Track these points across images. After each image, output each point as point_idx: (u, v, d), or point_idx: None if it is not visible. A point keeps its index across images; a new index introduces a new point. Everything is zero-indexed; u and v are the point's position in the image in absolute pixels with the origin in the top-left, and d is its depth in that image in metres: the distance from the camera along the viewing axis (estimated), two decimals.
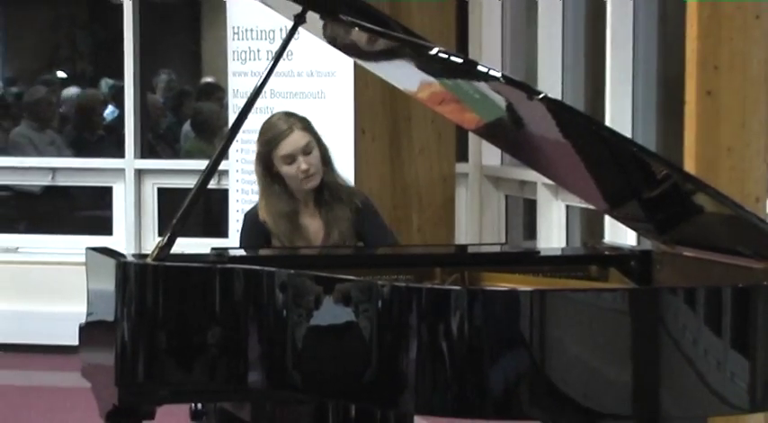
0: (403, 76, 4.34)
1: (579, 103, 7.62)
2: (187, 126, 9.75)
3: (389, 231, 4.75)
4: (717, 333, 3.49)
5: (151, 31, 9.15)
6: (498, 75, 3.69)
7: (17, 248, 8.92)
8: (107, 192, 8.90)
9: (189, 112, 9.97)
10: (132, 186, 8.73)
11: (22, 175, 9.15)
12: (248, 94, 4.17)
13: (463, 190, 8.26)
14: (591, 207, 4.91)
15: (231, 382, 3.81)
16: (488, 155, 8.27)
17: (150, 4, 9.33)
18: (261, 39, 7.16)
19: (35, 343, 8.29)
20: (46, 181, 9.07)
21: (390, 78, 4.52)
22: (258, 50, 7.18)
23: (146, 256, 3.97)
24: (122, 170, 8.77)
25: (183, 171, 8.53)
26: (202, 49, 12.30)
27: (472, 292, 3.55)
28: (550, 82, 7.63)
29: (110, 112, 10.16)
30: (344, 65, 6.70)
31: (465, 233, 8.17)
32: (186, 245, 4.20)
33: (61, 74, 11.62)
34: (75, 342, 4.23)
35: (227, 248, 4.38)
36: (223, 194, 7.64)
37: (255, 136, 6.92)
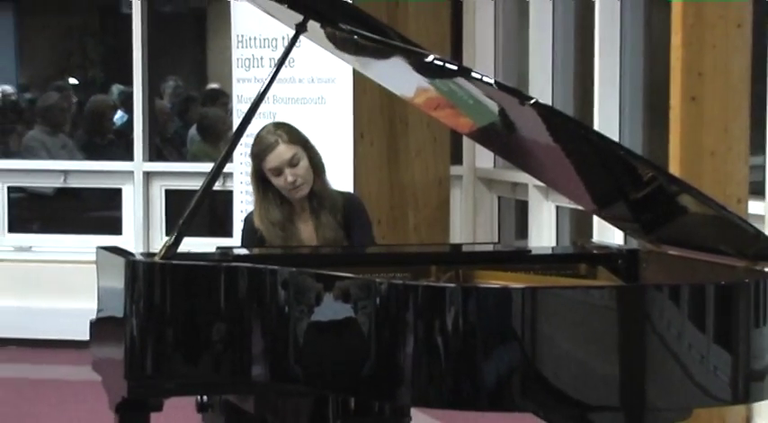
0: (400, 82, 4.34)
1: (569, 108, 7.62)
2: (193, 130, 9.74)
3: (371, 231, 4.74)
4: (700, 328, 3.49)
5: (159, 40, 9.15)
6: (491, 81, 3.69)
7: (30, 247, 8.92)
8: (117, 193, 8.90)
9: (195, 117, 9.96)
10: (141, 188, 8.73)
11: (35, 177, 9.15)
12: (252, 100, 4.16)
13: (458, 191, 8.26)
14: (580, 208, 4.91)
15: (236, 376, 3.80)
16: (482, 158, 8.27)
17: (158, 13, 9.34)
18: (264, 47, 7.15)
19: (48, 338, 8.29)
20: (58, 183, 9.07)
21: (388, 84, 4.52)
22: (261, 58, 7.17)
23: (154, 254, 3.97)
24: (131, 172, 8.77)
25: (190, 173, 8.53)
26: (208, 57, 12.29)
27: (466, 289, 3.54)
28: (541, 88, 7.63)
29: (119, 116, 10.15)
30: (344, 72, 6.70)
31: (459, 233, 8.16)
32: (192, 244, 4.19)
33: (73, 80, 11.61)
34: (86, 337, 4.23)
35: (231, 247, 4.38)
36: (228, 196, 7.64)
37: None
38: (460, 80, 3.79)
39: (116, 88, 10.74)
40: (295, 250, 4.47)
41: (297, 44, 4.25)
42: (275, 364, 3.73)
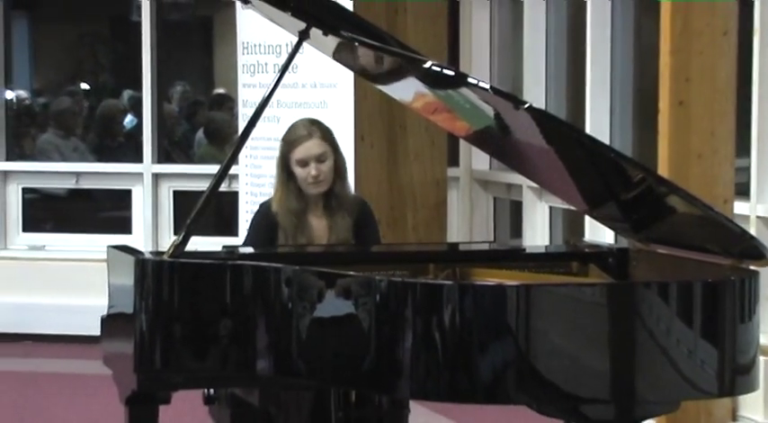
0: (399, 87, 4.33)
1: (561, 111, 7.61)
2: (200, 133, 9.73)
3: (379, 236, 4.74)
4: (688, 324, 3.49)
5: (167, 47, 9.15)
6: (487, 86, 3.69)
7: (44, 246, 8.91)
8: (127, 194, 8.89)
9: (202, 121, 9.95)
10: (150, 189, 8.72)
11: (48, 178, 9.14)
12: (257, 104, 4.16)
13: (454, 192, 8.25)
14: (572, 208, 4.90)
15: (241, 370, 3.80)
16: (478, 160, 8.26)
17: (166, 21, 9.32)
18: (268, 53, 7.15)
19: (61, 333, 8.29)
20: (70, 184, 9.06)
21: (387, 89, 4.51)
22: (266, 64, 7.17)
23: (162, 253, 3.97)
24: (141, 174, 8.77)
25: (197, 175, 8.52)
26: (214, 63, 12.27)
27: (463, 286, 3.54)
28: (535, 92, 7.63)
29: (129, 120, 10.13)
30: (345, 77, 6.70)
31: (456, 232, 8.16)
32: (199, 243, 4.19)
33: (85, 86, 11.59)
34: (98, 333, 4.23)
35: (237, 246, 4.38)
36: (233, 197, 7.63)
37: (264, 143, 6.99)
38: (457, 85, 3.79)
39: (126, 93, 10.72)
40: (298, 249, 4.46)
41: (300, 51, 4.25)
42: (279, 359, 3.73)
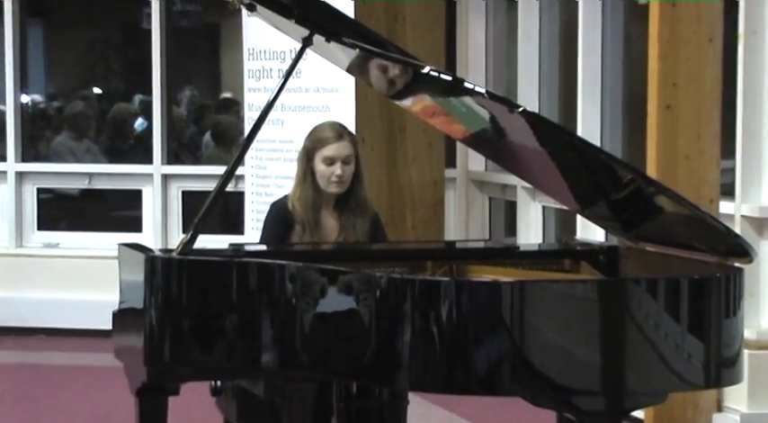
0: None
1: (554, 115, 7.61)
2: (207, 136, 9.72)
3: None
4: (675, 319, 3.49)
5: (176, 53, 9.14)
6: (482, 90, 3.68)
7: (58, 244, 8.90)
8: (137, 194, 8.88)
9: (209, 124, 9.94)
10: (159, 189, 8.71)
11: (62, 179, 9.14)
12: (262, 108, 4.15)
13: (451, 192, 8.24)
14: (564, 207, 4.89)
15: (246, 363, 3.80)
16: (474, 161, 8.26)
17: (175, 29, 9.32)
18: (273, 59, 7.14)
19: (74, 328, 8.28)
20: (83, 185, 9.05)
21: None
22: (270, 69, 7.16)
23: (171, 251, 3.96)
24: (150, 175, 8.76)
25: (204, 176, 8.51)
26: (221, 69, 12.27)
27: (459, 282, 3.54)
28: (528, 97, 7.62)
29: (140, 123, 10.13)
30: (347, 82, 6.69)
31: (453, 231, 8.15)
32: (207, 241, 4.19)
33: (97, 90, 11.59)
34: (109, 327, 4.22)
35: (243, 244, 4.37)
36: (239, 196, 7.62)
37: (268, 145, 6.99)
38: (454, 90, 3.79)
39: (137, 97, 10.72)
40: (301, 247, 4.46)
41: (303, 57, 4.24)
42: (283, 352, 3.73)
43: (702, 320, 3.52)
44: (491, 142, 4.23)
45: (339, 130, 4.50)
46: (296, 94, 6.85)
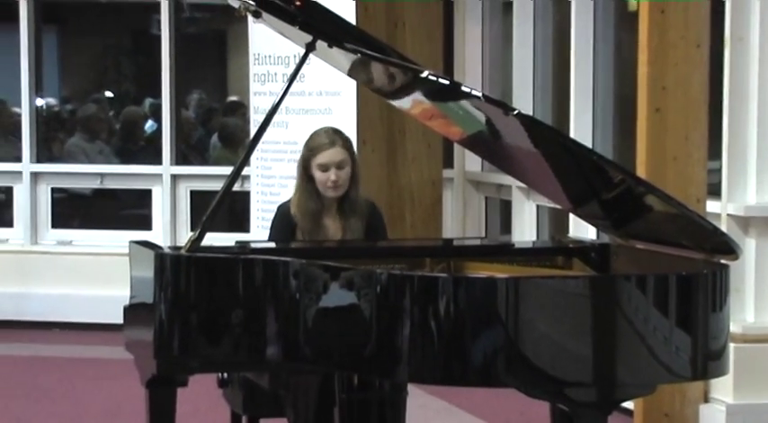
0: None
1: (547, 117, 7.61)
2: (215, 138, 9.72)
3: (386, 236, 4.74)
4: (664, 313, 3.48)
5: (185, 58, 9.14)
6: (479, 94, 3.68)
7: (71, 241, 8.91)
8: (147, 193, 8.89)
9: (216, 126, 9.93)
10: (168, 189, 8.72)
11: (75, 179, 9.14)
12: (267, 111, 4.15)
13: (449, 192, 8.24)
14: (558, 206, 4.90)
15: (252, 356, 3.79)
16: (471, 162, 8.26)
17: (184, 35, 9.32)
18: (278, 64, 7.14)
19: (87, 322, 8.29)
20: (95, 184, 9.06)
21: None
22: (275, 74, 7.16)
23: (180, 248, 3.96)
24: (160, 175, 8.76)
25: (212, 176, 8.52)
26: (228, 73, 12.26)
27: (457, 278, 3.54)
28: (523, 100, 7.62)
29: (150, 125, 10.13)
30: (349, 86, 6.69)
31: (451, 229, 8.15)
32: (214, 239, 4.18)
33: (109, 93, 11.58)
34: (121, 321, 4.22)
35: (249, 242, 4.37)
36: (245, 196, 7.62)
37: (273, 146, 6.99)
38: (452, 93, 3.79)
39: (147, 100, 10.71)
40: (305, 245, 4.46)
41: (307, 61, 4.24)
42: (287, 345, 3.72)
43: (690, 315, 3.52)
44: (487, 144, 4.23)
45: (332, 137, 4.50)
46: (299, 97, 6.85)
